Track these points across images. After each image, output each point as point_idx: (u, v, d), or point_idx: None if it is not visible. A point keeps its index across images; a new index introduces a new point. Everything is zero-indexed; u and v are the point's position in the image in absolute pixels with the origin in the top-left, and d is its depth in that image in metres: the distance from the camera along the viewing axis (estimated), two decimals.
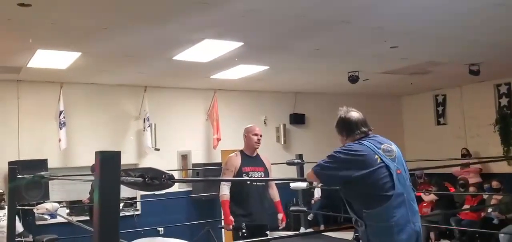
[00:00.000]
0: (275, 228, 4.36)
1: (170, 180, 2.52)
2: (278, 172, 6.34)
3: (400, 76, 8.75)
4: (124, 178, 2.24)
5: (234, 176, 4.09)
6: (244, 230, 3.95)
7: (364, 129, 2.90)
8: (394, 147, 2.87)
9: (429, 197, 8.01)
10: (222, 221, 4.29)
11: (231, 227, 3.91)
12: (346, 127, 2.95)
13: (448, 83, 10.13)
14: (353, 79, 8.02)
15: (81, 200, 7.79)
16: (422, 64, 7.81)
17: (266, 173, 4.27)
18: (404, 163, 2.88)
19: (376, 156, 2.74)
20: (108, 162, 1.99)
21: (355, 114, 2.96)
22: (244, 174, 4.08)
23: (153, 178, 2.44)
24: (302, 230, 8.73)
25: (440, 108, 11.05)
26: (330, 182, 2.99)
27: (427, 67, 8.07)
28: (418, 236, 2.75)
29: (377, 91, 10.63)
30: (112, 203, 1.98)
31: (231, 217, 3.98)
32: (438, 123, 11.07)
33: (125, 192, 8.31)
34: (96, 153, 2.02)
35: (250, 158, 4.23)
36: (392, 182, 2.69)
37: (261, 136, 4.32)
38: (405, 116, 11.87)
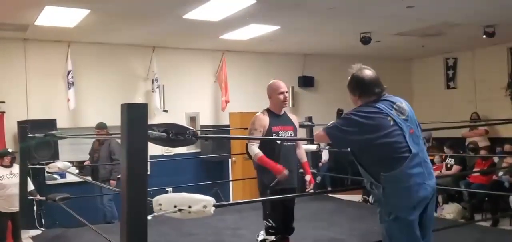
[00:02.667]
0: (303, 190, 4.14)
1: (194, 136, 2.45)
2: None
3: (412, 38, 8.59)
4: (149, 132, 2.17)
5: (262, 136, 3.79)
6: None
7: (377, 90, 2.82)
8: (405, 105, 2.82)
9: (454, 170, 7.93)
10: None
11: (285, 172, 3.54)
12: (359, 86, 2.85)
13: (460, 46, 9.97)
14: (366, 40, 7.87)
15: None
16: (437, 26, 7.65)
17: (296, 131, 3.99)
18: (417, 121, 2.84)
19: (389, 118, 2.70)
20: (136, 113, 1.92)
21: (368, 72, 2.86)
22: (274, 134, 3.76)
23: (177, 134, 2.37)
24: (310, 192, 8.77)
25: (450, 72, 10.91)
26: (342, 144, 2.90)
27: (441, 28, 7.91)
28: (434, 192, 2.78)
29: (388, 55, 10.47)
30: (139, 154, 1.92)
31: (278, 165, 3.59)
32: (448, 87, 10.95)
33: None
34: (123, 105, 1.95)
35: (278, 116, 3.89)
36: (406, 142, 2.66)
37: (287, 92, 3.97)
38: (414, 80, 11.74)
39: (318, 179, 9.27)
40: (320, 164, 9.88)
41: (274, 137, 3.75)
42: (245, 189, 8.83)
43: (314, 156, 9.77)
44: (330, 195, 8.40)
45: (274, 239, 3.66)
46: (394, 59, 11.13)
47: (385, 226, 2.75)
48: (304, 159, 4.06)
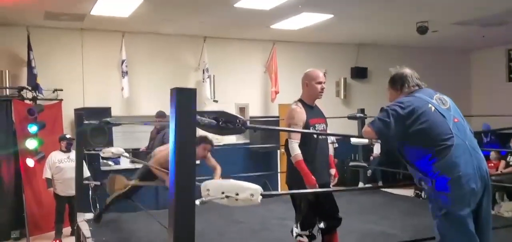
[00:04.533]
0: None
1: (243, 126, 2.41)
2: (335, 128, 6.11)
3: (472, 27, 8.17)
4: (199, 118, 2.15)
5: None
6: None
7: (417, 81, 2.87)
8: (447, 98, 2.81)
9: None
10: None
11: (316, 186, 3.43)
12: (400, 79, 2.90)
13: None
14: (422, 30, 7.56)
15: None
16: (499, 14, 7.22)
17: (327, 124, 3.83)
18: (460, 113, 2.79)
19: (430, 105, 2.68)
20: (184, 97, 1.90)
21: (409, 69, 2.94)
22: (311, 128, 3.59)
23: (227, 122, 2.34)
24: (361, 185, 8.59)
25: None
26: (387, 136, 2.79)
27: (504, 17, 7.46)
28: (486, 183, 2.66)
29: (445, 45, 10.04)
30: (187, 139, 1.90)
31: (312, 177, 3.47)
32: (510, 80, 10.37)
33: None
34: (172, 89, 1.94)
35: (311, 108, 3.71)
36: (450, 130, 2.60)
37: (324, 83, 3.78)
38: (474, 72, 11.20)
39: (369, 172, 9.09)
40: (372, 158, 9.68)
41: (312, 131, 3.61)
42: None
43: (365, 149, 9.60)
44: (381, 189, 8.19)
45: (309, 234, 3.56)
46: (452, 50, 10.65)
47: (437, 223, 2.65)
48: (331, 152, 3.89)
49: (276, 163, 9.26)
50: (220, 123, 2.30)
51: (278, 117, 9.03)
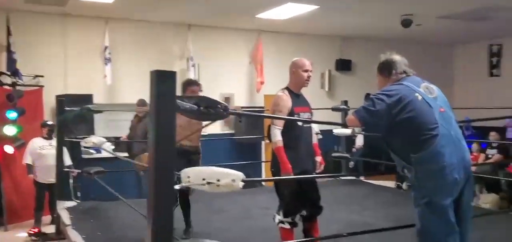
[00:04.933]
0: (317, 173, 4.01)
1: (225, 111, 2.39)
2: (319, 119, 6.12)
3: (456, 22, 8.24)
4: (179, 102, 2.12)
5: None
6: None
7: (405, 68, 2.87)
8: (435, 87, 2.82)
9: (494, 158, 7.67)
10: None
11: (291, 173, 3.46)
12: (388, 66, 2.90)
13: (506, 32, 9.50)
14: (406, 23, 7.60)
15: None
16: (483, 9, 7.28)
17: (312, 113, 3.87)
18: (447, 103, 2.80)
19: (417, 94, 2.67)
20: (164, 80, 1.87)
21: (398, 56, 2.94)
22: (295, 116, 3.61)
23: (209, 107, 2.31)
24: (343, 176, 8.63)
25: (494, 59, 10.45)
26: (373, 125, 2.81)
27: (487, 12, 7.53)
28: (469, 174, 2.69)
29: (429, 39, 10.12)
30: (167, 123, 1.87)
31: (289, 165, 3.50)
32: (491, 74, 10.50)
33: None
34: (152, 72, 1.90)
35: (297, 97, 3.74)
36: (436, 120, 2.61)
37: (311, 71, 3.81)
38: (456, 66, 11.32)
39: (351, 164, 9.13)
40: (354, 149, 9.73)
41: (295, 118, 3.61)
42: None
43: (348, 141, 9.65)
44: (363, 180, 8.26)
45: (291, 221, 3.57)
46: (435, 44, 10.75)
47: (418, 211, 2.68)
48: (315, 140, 3.90)
49: (260, 153, 9.26)
50: (201, 108, 2.28)
51: (263, 107, 9.02)
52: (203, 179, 2.24)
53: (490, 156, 7.81)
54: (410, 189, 2.81)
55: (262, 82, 8.80)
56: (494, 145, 8.21)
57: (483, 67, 10.62)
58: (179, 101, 2.19)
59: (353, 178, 8.49)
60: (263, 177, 9.18)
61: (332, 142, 8.99)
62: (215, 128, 8.75)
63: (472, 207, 2.90)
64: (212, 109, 2.30)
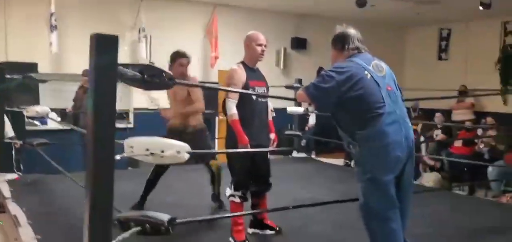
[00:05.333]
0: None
1: (170, 80, 2.32)
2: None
3: (408, 4, 8.43)
4: (122, 69, 2.03)
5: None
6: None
7: (358, 44, 2.86)
8: (384, 64, 2.85)
9: (439, 137, 7.96)
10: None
11: (248, 146, 3.44)
12: (342, 39, 2.88)
13: (455, 17, 9.84)
14: (361, 3, 7.69)
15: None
16: None
17: (268, 87, 3.83)
18: (395, 81, 2.85)
19: (366, 72, 2.70)
20: (104, 45, 1.77)
21: (352, 30, 2.93)
22: (251, 90, 3.58)
23: (153, 76, 2.23)
24: (295, 154, 8.75)
25: (443, 43, 10.81)
26: (322, 101, 2.84)
27: None
28: (411, 152, 2.75)
29: (382, 19, 10.31)
30: (107, 91, 1.78)
31: (245, 137, 3.47)
32: (440, 58, 10.86)
33: (117, 103, 8.11)
34: (91, 35, 1.80)
35: (252, 70, 3.71)
36: (383, 99, 2.65)
37: (265, 46, 3.80)
38: (407, 48, 11.63)
39: (303, 142, 9.26)
40: (307, 128, 9.86)
41: (250, 92, 3.58)
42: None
43: (301, 120, 9.77)
44: (314, 158, 8.40)
45: (241, 195, 3.57)
46: (388, 25, 10.97)
47: (361, 186, 2.73)
48: (270, 117, 3.91)
49: (213, 130, 9.19)
50: (145, 76, 2.19)
51: (217, 83, 8.93)
52: (147, 150, 2.17)
53: (435, 136, 8.11)
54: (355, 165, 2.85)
55: (216, 57, 8.69)
56: (439, 126, 8.52)
57: (432, 50, 10.95)
58: (121, 68, 2.10)
59: (304, 155, 8.64)
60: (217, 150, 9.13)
61: (286, 120, 9.06)
62: (167, 101, 8.58)
63: (412, 184, 2.99)
64: (156, 78, 2.22)
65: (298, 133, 8.02)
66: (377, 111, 2.63)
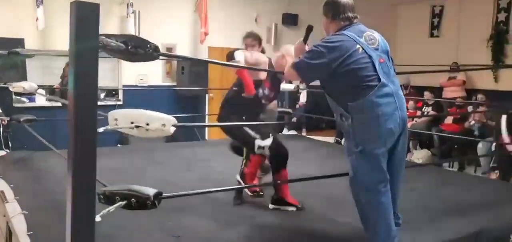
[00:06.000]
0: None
1: (155, 52, 2.26)
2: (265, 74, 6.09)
3: None
4: (104, 39, 1.97)
5: None
6: None
7: (349, 14, 2.79)
8: (377, 35, 2.78)
9: (427, 117, 7.99)
10: None
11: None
12: (332, 7, 2.82)
13: None
14: None
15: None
16: None
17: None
18: (389, 52, 2.80)
19: (358, 46, 2.64)
20: (84, 13, 1.71)
21: None
22: None
23: (137, 47, 2.17)
24: (285, 131, 8.75)
25: (435, 20, 10.76)
26: (311, 77, 2.78)
27: None
28: (404, 124, 2.73)
29: None
30: (89, 63, 1.72)
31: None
32: (432, 35, 10.83)
33: (106, 80, 8.02)
34: (71, 3, 1.73)
35: None
36: (375, 71, 2.60)
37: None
38: (399, 25, 11.56)
39: (294, 119, 9.26)
40: (298, 105, 9.85)
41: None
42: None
43: (292, 97, 9.75)
44: (304, 135, 8.40)
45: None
46: (380, 2, 10.87)
47: (351, 159, 2.70)
48: None
49: (204, 107, 9.14)
50: (130, 47, 2.13)
51: (207, 59, 8.84)
52: (132, 123, 2.13)
53: (426, 113, 8.14)
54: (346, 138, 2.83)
55: (206, 34, 8.57)
56: (429, 102, 8.55)
57: (424, 27, 10.91)
58: (103, 38, 2.04)
59: (295, 133, 8.64)
60: (206, 130, 9.09)
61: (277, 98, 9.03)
62: (156, 79, 8.51)
63: (405, 158, 2.97)
64: (140, 49, 2.17)
65: (288, 110, 8.00)
66: (369, 83, 2.59)
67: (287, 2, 9.95)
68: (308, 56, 2.72)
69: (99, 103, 7.64)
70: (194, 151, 6.08)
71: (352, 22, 2.79)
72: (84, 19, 1.69)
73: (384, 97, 2.60)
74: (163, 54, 2.23)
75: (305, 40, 2.95)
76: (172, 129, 2.14)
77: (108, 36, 2.12)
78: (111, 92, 8.28)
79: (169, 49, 8.66)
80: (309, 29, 2.98)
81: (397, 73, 2.86)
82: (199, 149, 6.20)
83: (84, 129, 1.75)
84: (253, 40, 4.19)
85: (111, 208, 1.99)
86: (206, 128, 9.14)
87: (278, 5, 9.88)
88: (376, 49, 2.70)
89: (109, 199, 2.05)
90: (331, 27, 2.82)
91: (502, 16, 9.41)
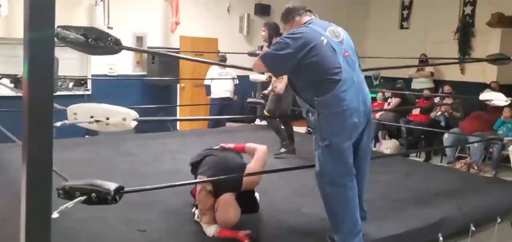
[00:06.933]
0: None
1: (116, 45, 2.22)
2: (237, 63, 6.08)
3: None
4: (61, 31, 1.92)
5: None
6: None
7: (309, 11, 2.93)
8: (341, 30, 2.84)
9: (393, 102, 8.11)
10: None
11: None
12: (288, 12, 2.96)
13: None
14: None
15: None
16: None
17: None
18: (353, 47, 2.85)
19: (322, 38, 2.68)
20: (38, 5, 1.65)
21: (296, 2, 3.00)
22: None
23: (98, 39, 2.13)
24: (257, 121, 8.75)
25: (405, 12, 10.92)
26: (277, 68, 2.83)
27: None
28: (369, 118, 2.80)
29: None
30: (45, 51, 1.66)
31: None
32: (401, 27, 11.00)
33: (75, 69, 7.85)
34: None
35: None
36: (340, 65, 2.64)
37: None
38: (370, 17, 11.69)
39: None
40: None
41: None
42: (192, 115, 8.66)
43: (264, 87, 9.74)
44: None
45: None
46: None
47: (318, 153, 2.73)
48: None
49: (175, 97, 9.06)
50: (89, 39, 2.09)
51: (178, 49, 8.75)
52: (92, 117, 2.09)
53: (389, 102, 8.27)
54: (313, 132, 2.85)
55: (177, 23, 8.47)
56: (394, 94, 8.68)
57: (394, 19, 11.07)
58: (60, 30, 1.99)
59: (266, 123, 8.64)
60: (178, 122, 9.02)
61: (249, 88, 9.03)
62: (126, 68, 8.38)
63: (370, 150, 3.02)
64: (101, 42, 2.12)
65: (260, 100, 8.01)
66: (334, 77, 2.62)
67: None
68: (274, 47, 2.77)
69: (67, 93, 7.61)
70: (164, 142, 6.03)
71: (313, 16, 2.89)
72: (39, 6, 1.63)
73: (348, 91, 2.63)
74: (125, 48, 2.19)
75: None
76: (133, 123, 2.11)
77: (67, 27, 2.07)
78: (80, 82, 8.11)
79: (140, 38, 8.55)
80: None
81: (365, 70, 2.91)
82: (169, 140, 6.14)
83: (39, 121, 1.70)
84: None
85: (70, 204, 1.95)
86: (177, 117, 9.06)
87: None
88: (340, 43, 2.75)
89: (69, 194, 2.01)
90: (294, 26, 2.89)
91: (468, 9, 9.63)
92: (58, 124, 1.87)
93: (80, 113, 2.05)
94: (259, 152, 3.19)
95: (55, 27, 1.97)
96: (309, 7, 2.97)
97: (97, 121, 2.04)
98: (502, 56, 4.41)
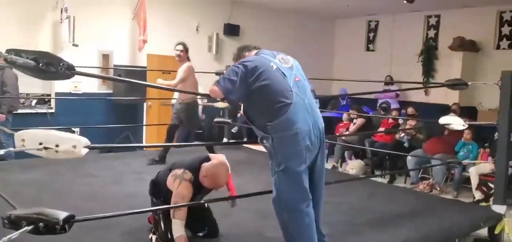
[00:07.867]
0: None
1: (68, 70, 2.17)
2: (205, 83, 6.08)
3: None
4: (9, 56, 1.86)
5: None
6: None
7: (258, 48, 3.07)
8: (291, 58, 2.96)
9: (358, 122, 8.22)
10: None
11: None
12: (239, 52, 3.11)
13: (382, 9, 10.18)
14: None
15: None
16: None
17: None
18: (303, 73, 2.97)
19: (272, 64, 2.80)
20: None
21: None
22: None
23: (49, 64, 2.08)
24: (225, 140, 8.72)
25: (371, 35, 11.16)
26: (231, 93, 2.82)
27: None
28: (322, 141, 2.85)
29: (313, 10, 10.44)
30: None
31: None
32: (368, 49, 11.23)
33: (38, 87, 7.66)
34: None
35: None
36: (291, 89, 2.73)
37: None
38: (336, 39, 11.89)
39: (235, 129, 9.25)
40: (239, 115, 9.85)
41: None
42: (159, 135, 8.54)
43: (233, 107, 9.74)
44: (244, 145, 8.40)
45: None
46: (318, 16, 11.15)
47: (274, 179, 2.76)
48: None
49: (142, 116, 8.94)
50: (40, 64, 2.04)
51: (145, 67, 8.66)
52: (40, 144, 2.03)
53: (354, 123, 8.38)
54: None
55: (145, 41, 8.39)
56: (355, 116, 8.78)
57: (361, 41, 11.29)
58: (11, 56, 1.94)
59: (234, 142, 8.62)
60: (144, 139, 8.89)
61: (218, 108, 9.02)
62: (91, 86, 8.23)
63: (324, 172, 3.02)
64: (53, 67, 2.07)
65: (228, 120, 7.98)
66: (285, 100, 2.70)
67: (229, 12, 9.97)
68: (226, 73, 2.84)
69: (29, 111, 7.40)
70: (128, 163, 5.92)
71: (260, 49, 3.02)
72: None
73: (299, 114, 2.70)
74: (77, 73, 2.15)
75: None
76: (84, 151, 2.06)
77: (18, 52, 2.02)
78: (43, 100, 7.91)
79: (106, 55, 8.43)
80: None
81: (333, 97, 2.97)
82: (132, 161, 6.04)
83: None
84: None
85: (15, 234, 1.88)
86: (144, 137, 8.94)
87: (219, 15, 9.87)
88: (291, 68, 2.86)
89: (15, 223, 1.94)
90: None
91: (431, 33, 9.94)
92: (2, 151, 1.81)
93: (28, 139, 2.00)
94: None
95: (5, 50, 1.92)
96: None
97: (46, 148, 1.98)
98: (460, 82, 4.57)
